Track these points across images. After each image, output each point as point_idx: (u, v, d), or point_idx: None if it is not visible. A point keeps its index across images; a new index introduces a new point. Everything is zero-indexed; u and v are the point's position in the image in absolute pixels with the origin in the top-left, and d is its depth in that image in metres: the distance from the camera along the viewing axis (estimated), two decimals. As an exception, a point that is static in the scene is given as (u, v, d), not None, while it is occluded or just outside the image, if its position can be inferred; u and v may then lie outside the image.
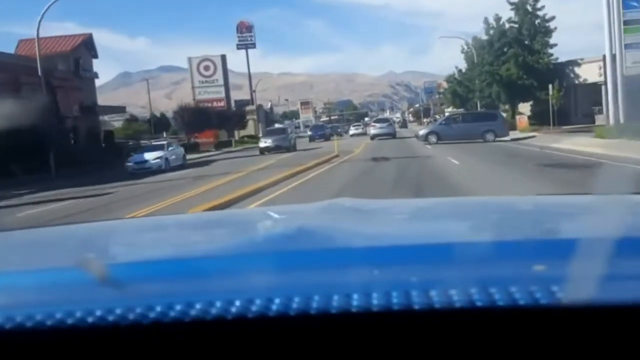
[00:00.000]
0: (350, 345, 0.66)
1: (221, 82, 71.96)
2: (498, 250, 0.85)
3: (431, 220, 1.48)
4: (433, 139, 31.89)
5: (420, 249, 0.86)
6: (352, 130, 67.32)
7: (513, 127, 41.74)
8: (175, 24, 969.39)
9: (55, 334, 0.67)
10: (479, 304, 0.64)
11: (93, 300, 0.69)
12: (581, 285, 0.65)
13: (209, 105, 67.17)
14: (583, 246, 0.73)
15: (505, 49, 45.10)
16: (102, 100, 52.19)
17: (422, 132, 33.98)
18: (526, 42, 44.14)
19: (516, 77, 43.52)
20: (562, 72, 43.20)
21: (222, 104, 69.81)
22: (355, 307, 0.65)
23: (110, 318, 0.66)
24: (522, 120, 40.16)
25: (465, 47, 57.07)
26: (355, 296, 0.65)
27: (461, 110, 50.37)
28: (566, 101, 41.54)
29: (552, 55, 44.05)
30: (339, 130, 70.75)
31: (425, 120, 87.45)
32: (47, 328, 0.66)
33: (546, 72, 42.34)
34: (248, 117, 72.46)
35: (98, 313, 0.66)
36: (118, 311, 0.66)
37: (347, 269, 0.76)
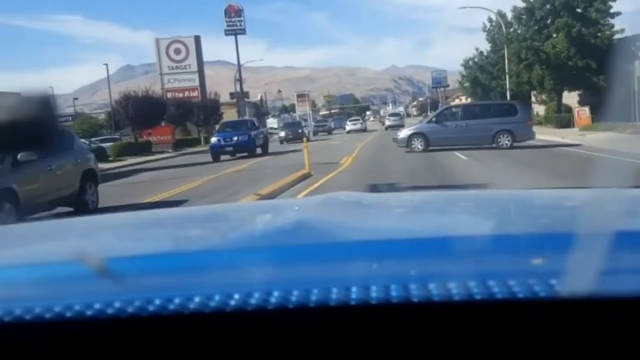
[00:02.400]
0: (349, 338, 0.67)
1: (194, 68, 60.84)
2: (497, 244, 0.86)
3: (430, 213, 1.47)
4: (419, 144, 20.95)
5: (419, 243, 0.86)
6: (348, 126, 56.08)
7: (565, 124, 30.71)
8: (180, 17, 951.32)
9: (54, 327, 0.67)
10: (477, 297, 0.64)
11: (92, 293, 0.69)
12: (579, 278, 0.65)
13: (180, 95, 56.21)
14: (581, 239, 0.73)
15: (549, 20, 33.99)
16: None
17: (402, 133, 22.38)
18: (578, 10, 33.00)
19: (566, 57, 32.32)
20: (623, 50, 31.90)
21: (195, 93, 58.81)
22: (354, 300, 0.65)
23: (109, 311, 0.66)
24: (583, 114, 29.02)
25: (488, 24, 45.84)
26: (354, 289, 0.65)
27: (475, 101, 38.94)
28: (625, 89, 30.31)
29: (613, 26, 32.85)
30: (301, 130, 42.24)
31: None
32: (46, 321, 0.66)
33: (606, 49, 31.21)
34: (224, 109, 61.61)
35: (97, 306, 0.66)
36: (117, 304, 0.66)
37: (346, 262, 0.76)
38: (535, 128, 33.04)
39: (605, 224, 0.86)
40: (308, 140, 20.67)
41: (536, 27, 34.17)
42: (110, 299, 0.67)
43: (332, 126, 66.23)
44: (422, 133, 21.33)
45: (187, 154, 36.64)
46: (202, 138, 49.38)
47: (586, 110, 29.06)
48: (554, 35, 33.14)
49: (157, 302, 0.66)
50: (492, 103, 25.81)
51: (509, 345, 0.66)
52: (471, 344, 0.66)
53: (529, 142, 22.44)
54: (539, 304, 0.64)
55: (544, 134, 26.47)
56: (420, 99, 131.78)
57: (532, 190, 2.13)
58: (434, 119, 22.23)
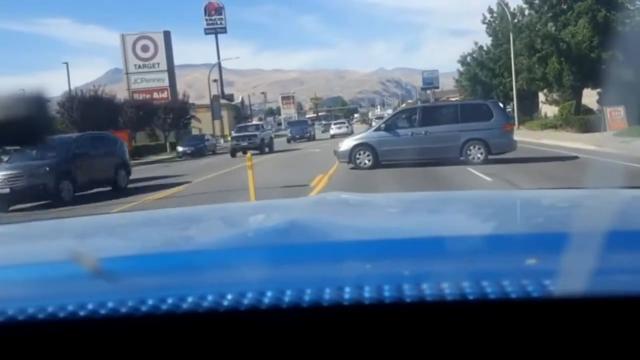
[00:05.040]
0: (342, 338, 0.67)
1: (164, 66, 55.51)
2: (490, 244, 0.86)
3: (423, 214, 1.47)
4: (365, 158, 15.76)
5: (412, 243, 0.86)
6: (333, 130, 50.39)
7: (589, 127, 25.58)
8: (171, 20, 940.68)
9: (47, 328, 0.67)
10: (470, 297, 0.64)
11: (85, 293, 0.69)
12: (572, 278, 0.65)
13: (148, 96, 50.76)
14: (574, 240, 0.74)
15: (565, 5, 28.89)
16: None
17: (344, 144, 16.77)
18: (603, -8, 27.91)
19: (587, 47, 27.19)
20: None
21: (164, 94, 53.41)
22: (347, 300, 0.65)
23: (103, 311, 0.66)
24: (616, 116, 23.87)
25: (488, 15, 40.79)
26: (347, 289, 0.66)
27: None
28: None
29: (645, 11, 27.78)
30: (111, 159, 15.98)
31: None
32: (39, 321, 0.66)
33: (636, 38, 26.15)
34: (202, 111, 56.42)
35: (90, 306, 0.66)
36: (110, 305, 0.66)
37: (339, 262, 0.77)
38: (551, 132, 28.47)
39: (599, 224, 0.86)
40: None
41: (550, 14, 29.06)
42: (103, 299, 0.66)
43: (290, 135, 45.91)
44: (369, 144, 15.88)
45: (146, 163, 31.08)
46: (167, 144, 43.92)
47: (620, 110, 23.89)
48: (572, 23, 28.04)
49: (150, 302, 0.66)
50: (459, 103, 19.54)
51: (502, 345, 0.65)
52: (465, 344, 0.65)
53: (561, 152, 17.27)
54: (533, 304, 0.64)
55: (568, 141, 21.38)
56: (410, 101, 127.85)
57: (526, 191, 2.20)
58: (383, 125, 16.64)
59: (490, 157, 15.35)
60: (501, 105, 23.38)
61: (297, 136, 45.48)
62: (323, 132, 63.04)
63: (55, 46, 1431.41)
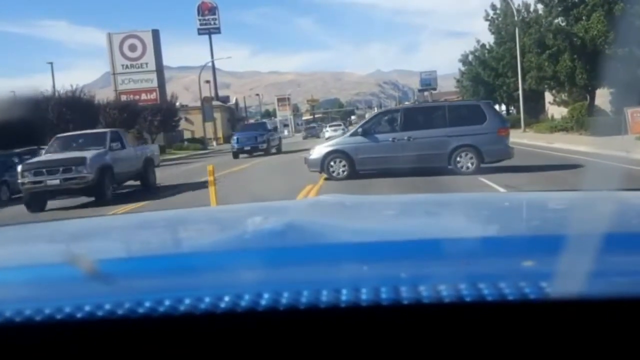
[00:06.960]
0: (339, 340, 0.67)
1: (152, 66, 53.28)
2: (487, 246, 0.86)
3: (420, 216, 1.47)
4: (340, 167, 14.06)
5: (410, 245, 0.87)
6: (328, 132, 48.12)
7: (605, 130, 23.49)
8: (168, 23, 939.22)
9: (44, 330, 0.67)
10: (468, 299, 0.65)
11: (82, 295, 0.69)
12: (569, 280, 0.65)
13: (136, 98, 48.61)
14: (571, 242, 0.74)
15: (577, -1, 26.87)
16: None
17: (315, 152, 14.59)
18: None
19: (602, 43, 25.15)
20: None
21: (153, 95, 51.27)
22: (344, 302, 0.65)
23: (100, 313, 0.66)
24: (638, 117, 21.83)
25: (491, 12, 38.75)
26: (344, 291, 0.66)
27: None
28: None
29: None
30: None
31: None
32: (36, 323, 0.66)
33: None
34: (194, 113, 54.25)
35: (87, 308, 0.66)
36: (107, 307, 0.66)
37: (336, 264, 0.77)
38: (562, 136, 26.39)
39: (595, 226, 0.87)
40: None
41: (561, 8, 27.01)
42: (100, 301, 0.66)
43: (237, 147, 29.76)
44: (344, 151, 13.96)
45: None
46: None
47: (642, 111, 21.85)
48: (584, 18, 26.02)
49: (147, 304, 0.66)
50: (447, 105, 16.95)
51: (500, 347, 0.65)
52: (462, 346, 0.65)
53: (588, 159, 15.18)
54: (530, 306, 0.64)
55: (586, 145, 19.26)
56: (407, 102, 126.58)
57: (523, 193, 2.20)
58: (360, 129, 14.62)
59: (482, 165, 13.35)
60: (501, 106, 21.20)
61: (247, 147, 29.60)
62: (305, 138, 56.11)
63: (52, 48, 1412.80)
